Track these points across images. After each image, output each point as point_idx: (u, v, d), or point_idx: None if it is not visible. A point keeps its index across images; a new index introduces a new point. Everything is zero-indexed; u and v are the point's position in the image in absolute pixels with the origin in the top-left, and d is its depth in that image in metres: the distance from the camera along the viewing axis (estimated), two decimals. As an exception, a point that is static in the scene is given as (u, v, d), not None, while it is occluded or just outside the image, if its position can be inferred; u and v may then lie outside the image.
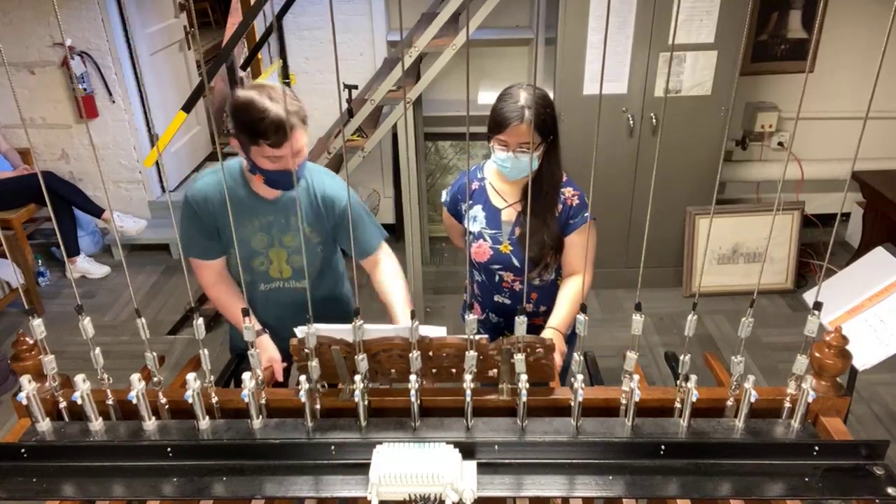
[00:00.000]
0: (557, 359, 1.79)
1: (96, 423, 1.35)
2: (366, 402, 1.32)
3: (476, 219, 1.99)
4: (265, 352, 1.89)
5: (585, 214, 1.91)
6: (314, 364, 1.30)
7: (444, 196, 2.12)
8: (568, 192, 1.92)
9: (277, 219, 1.86)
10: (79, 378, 1.31)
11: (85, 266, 4.18)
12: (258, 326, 1.94)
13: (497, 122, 1.79)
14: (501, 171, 1.90)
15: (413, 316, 1.28)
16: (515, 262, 1.96)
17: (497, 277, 2.01)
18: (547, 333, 1.85)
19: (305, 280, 1.92)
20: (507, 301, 2.05)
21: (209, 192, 1.83)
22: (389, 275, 1.93)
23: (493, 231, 1.96)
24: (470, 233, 2.00)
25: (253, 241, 1.88)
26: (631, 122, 3.43)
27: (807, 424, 1.34)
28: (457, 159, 4.46)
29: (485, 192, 1.99)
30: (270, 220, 1.86)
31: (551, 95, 3.46)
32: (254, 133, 1.63)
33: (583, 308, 1.23)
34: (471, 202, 1.99)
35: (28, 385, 1.31)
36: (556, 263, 1.99)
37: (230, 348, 2.24)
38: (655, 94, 3.38)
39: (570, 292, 1.93)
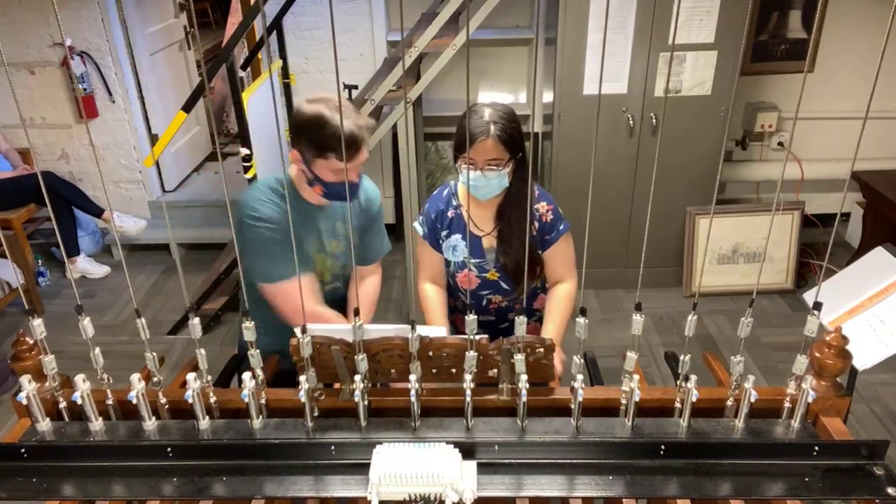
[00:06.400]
0: (558, 365, 1.79)
1: (96, 423, 1.35)
2: (366, 402, 1.32)
3: (457, 248, 1.94)
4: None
5: (560, 227, 1.90)
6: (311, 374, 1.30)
7: (421, 228, 1.97)
8: (542, 207, 1.89)
9: (326, 225, 1.88)
10: (79, 378, 1.31)
11: (85, 266, 4.18)
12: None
13: (463, 140, 1.73)
14: (471, 192, 1.82)
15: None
16: (504, 286, 1.96)
17: (485, 301, 2.01)
18: None
19: (339, 284, 2.01)
20: (493, 318, 2.05)
21: (273, 208, 1.76)
22: (365, 292, 2.02)
23: (478, 260, 1.94)
24: (451, 262, 1.98)
25: (307, 248, 1.89)
26: (631, 122, 3.43)
27: (807, 424, 1.34)
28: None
29: (462, 220, 1.92)
30: (320, 226, 1.87)
31: (551, 96, 3.48)
32: (324, 147, 1.65)
33: (582, 311, 1.23)
34: (448, 230, 1.94)
35: (28, 385, 1.31)
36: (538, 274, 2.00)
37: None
38: (655, 94, 3.38)
39: (559, 301, 1.93)
